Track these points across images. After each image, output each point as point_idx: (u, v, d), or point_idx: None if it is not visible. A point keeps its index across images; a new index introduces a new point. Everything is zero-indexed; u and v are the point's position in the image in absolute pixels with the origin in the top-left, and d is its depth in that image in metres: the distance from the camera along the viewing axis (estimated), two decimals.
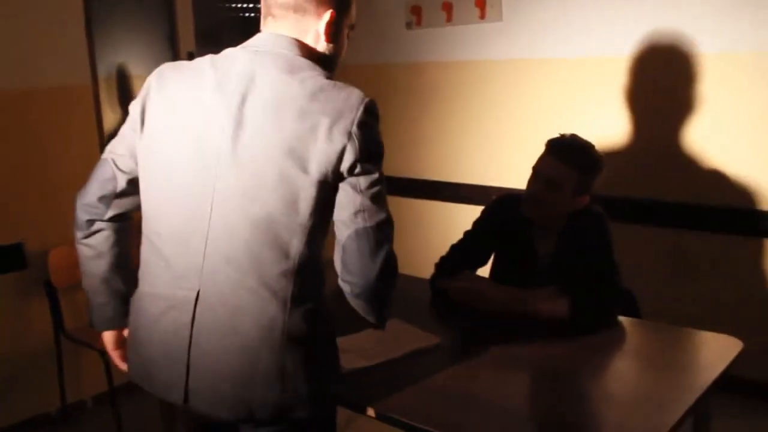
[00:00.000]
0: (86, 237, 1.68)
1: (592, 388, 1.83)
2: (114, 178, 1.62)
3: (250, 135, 1.41)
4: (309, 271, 1.46)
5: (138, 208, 1.62)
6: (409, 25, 4.01)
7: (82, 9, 3.29)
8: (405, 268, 3.96)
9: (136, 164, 1.57)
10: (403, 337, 2.06)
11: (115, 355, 1.79)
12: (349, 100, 1.42)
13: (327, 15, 1.51)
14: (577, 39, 3.46)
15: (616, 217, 3.34)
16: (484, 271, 2.46)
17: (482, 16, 3.73)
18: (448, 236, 2.60)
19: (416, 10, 3.94)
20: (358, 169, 1.42)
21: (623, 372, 1.94)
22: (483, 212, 2.48)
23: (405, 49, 4.07)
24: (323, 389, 1.53)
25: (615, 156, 3.42)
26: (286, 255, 1.42)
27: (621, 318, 2.16)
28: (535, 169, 2.28)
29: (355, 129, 1.40)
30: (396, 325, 2.13)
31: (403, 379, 1.84)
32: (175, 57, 3.96)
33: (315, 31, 1.52)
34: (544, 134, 2.32)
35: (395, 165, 4.26)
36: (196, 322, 1.46)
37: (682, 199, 3.29)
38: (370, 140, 1.43)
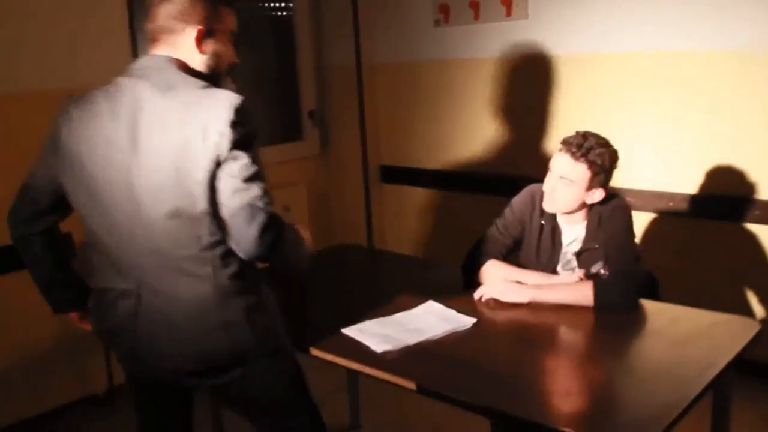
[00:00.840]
0: (24, 248, 2.00)
1: (615, 365, 1.95)
2: (37, 200, 1.93)
3: (145, 150, 1.70)
4: (225, 244, 1.75)
5: (58, 222, 1.99)
6: (437, 23, 4.12)
7: (126, 13, 3.45)
8: (438, 255, 4.14)
9: (55, 188, 1.88)
10: (442, 319, 2.21)
11: (80, 325, 2.17)
12: (220, 105, 1.69)
13: (194, 31, 1.77)
14: (601, 35, 3.55)
15: (643, 208, 3.52)
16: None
17: (508, 14, 3.83)
18: (477, 225, 2.73)
19: (444, 9, 4.06)
20: (230, 158, 1.67)
21: (645, 350, 2.07)
22: (512, 202, 2.60)
23: (434, 47, 4.18)
24: (267, 333, 1.87)
25: (641, 150, 3.53)
26: (198, 237, 1.73)
27: (642, 301, 2.28)
28: (550, 166, 2.41)
29: (225, 129, 1.66)
30: (435, 307, 2.29)
31: (442, 355, 1.99)
32: None
33: (189, 47, 1.79)
34: (569, 128, 2.44)
35: (425, 157, 4.39)
36: (143, 302, 1.81)
37: (702, 191, 3.41)
38: (241, 134, 1.69)
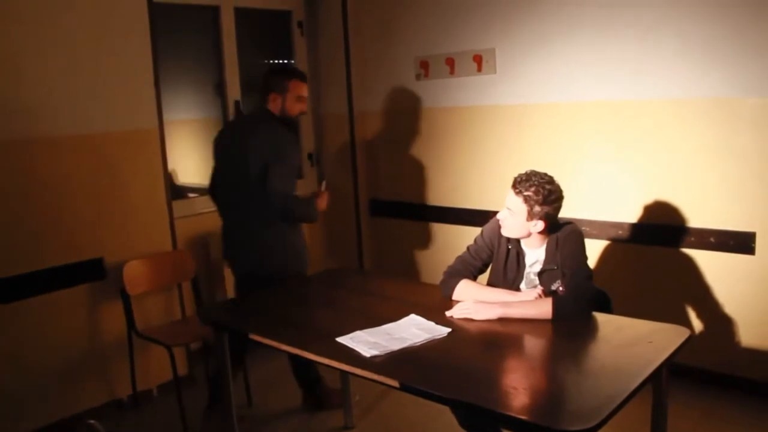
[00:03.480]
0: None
1: (567, 365, 2.06)
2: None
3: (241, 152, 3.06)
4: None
5: None
6: (418, 77, 4.25)
7: (151, 65, 3.55)
8: (420, 276, 4.21)
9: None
10: (422, 329, 2.31)
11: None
12: (275, 133, 3.04)
13: (270, 96, 3.13)
14: (559, 87, 3.69)
15: (597, 236, 3.62)
16: (482, 279, 2.70)
17: (479, 69, 3.97)
18: (453, 251, 2.84)
19: (424, 64, 4.19)
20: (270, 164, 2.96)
21: (593, 353, 2.17)
22: (482, 230, 2.71)
23: (415, 97, 4.30)
24: (271, 263, 3.10)
25: (595, 186, 3.64)
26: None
27: (595, 313, 2.39)
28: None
29: (271, 145, 3.00)
30: (416, 320, 2.39)
31: (421, 359, 2.09)
32: (224, 104, 4.24)
33: (272, 102, 3.15)
34: (531, 167, 2.56)
35: (409, 192, 4.48)
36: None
37: (645, 221, 3.52)
38: (279, 150, 3.00)
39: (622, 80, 3.48)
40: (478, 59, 3.98)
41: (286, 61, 4.68)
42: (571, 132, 3.70)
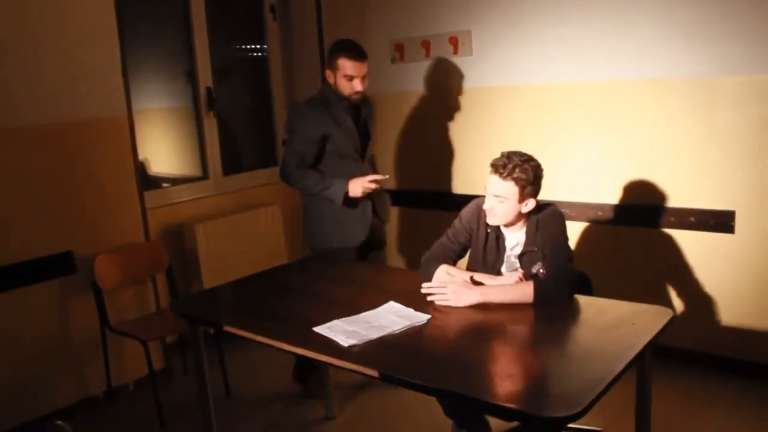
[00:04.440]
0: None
1: (551, 350, 2.01)
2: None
3: None
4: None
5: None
6: (393, 60, 4.17)
7: (119, 51, 3.43)
8: (397, 262, 4.17)
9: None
10: (401, 316, 2.25)
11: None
12: (295, 107, 3.28)
13: (327, 72, 3.09)
14: (535, 69, 3.65)
15: (577, 218, 3.59)
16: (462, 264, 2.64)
17: (456, 52, 3.92)
18: (430, 236, 2.78)
19: (399, 47, 4.12)
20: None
21: (576, 337, 2.13)
22: (460, 214, 2.64)
23: (391, 81, 4.24)
24: (314, 236, 3.24)
25: (574, 168, 3.61)
26: None
27: (576, 296, 2.35)
28: (486, 187, 2.47)
29: (288, 119, 3.23)
30: (394, 307, 2.33)
31: (401, 347, 2.03)
32: (195, 91, 4.14)
33: (328, 78, 3.11)
34: (511, 149, 2.50)
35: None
36: None
37: (625, 202, 3.49)
38: (290, 124, 3.18)
39: (600, 61, 3.44)
40: (453, 41, 3.91)
41: (257, 46, 4.57)
42: (550, 114, 3.65)
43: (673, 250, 3.39)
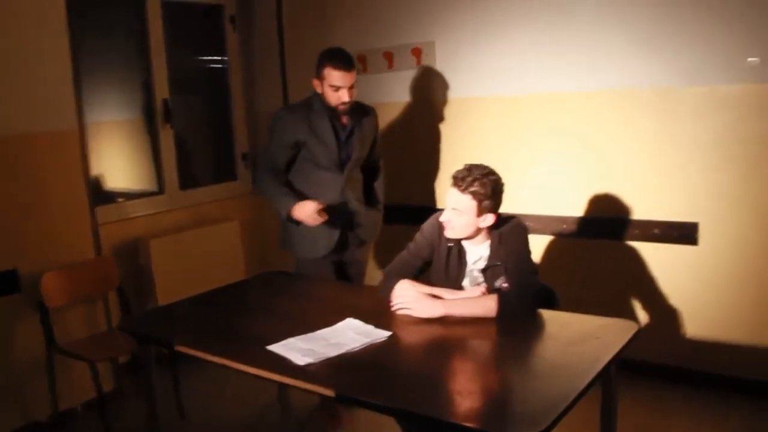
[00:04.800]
0: None
1: (513, 366, 1.94)
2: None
3: None
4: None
5: None
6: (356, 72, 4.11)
7: (69, 61, 3.30)
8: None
9: None
10: (360, 333, 2.17)
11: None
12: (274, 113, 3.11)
13: (314, 82, 2.96)
14: (498, 80, 3.62)
15: (541, 231, 3.55)
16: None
17: (419, 63, 3.88)
18: (391, 252, 2.72)
19: (362, 58, 4.07)
20: None
21: (540, 352, 2.07)
22: (422, 227, 2.58)
23: None
24: (286, 243, 3.18)
25: (537, 180, 3.57)
26: None
27: (540, 310, 2.29)
28: (446, 200, 2.42)
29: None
30: (353, 323, 2.25)
31: (360, 365, 1.95)
32: (151, 104, 4.03)
33: (317, 88, 3.00)
34: (474, 162, 2.43)
35: None
36: None
37: (589, 214, 3.47)
38: (269, 130, 3.10)
39: (561, 72, 3.43)
40: (416, 52, 3.86)
41: (216, 58, 4.48)
42: (514, 126, 3.62)
43: (637, 262, 3.36)
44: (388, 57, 3.98)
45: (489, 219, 2.38)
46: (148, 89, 4.02)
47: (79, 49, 3.39)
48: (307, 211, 2.92)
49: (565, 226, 3.54)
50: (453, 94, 3.80)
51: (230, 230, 4.19)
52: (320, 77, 2.96)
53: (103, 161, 3.89)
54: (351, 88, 2.95)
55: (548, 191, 3.58)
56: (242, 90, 4.54)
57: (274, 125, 3.07)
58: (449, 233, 2.43)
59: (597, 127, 3.38)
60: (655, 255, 3.32)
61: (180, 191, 4.19)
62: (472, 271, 2.49)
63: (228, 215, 4.30)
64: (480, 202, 2.34)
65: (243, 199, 4.49)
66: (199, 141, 4.56)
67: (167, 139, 4.09)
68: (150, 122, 4.06)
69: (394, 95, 4.02)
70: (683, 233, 3.20)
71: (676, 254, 3.25)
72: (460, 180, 2.37)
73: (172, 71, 4.07)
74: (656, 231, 3.27)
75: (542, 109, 3.52)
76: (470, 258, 2.48)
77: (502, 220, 2.45)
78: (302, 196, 3.00)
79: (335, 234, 3.10)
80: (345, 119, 3.05)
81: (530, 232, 2.48)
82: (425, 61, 3.85)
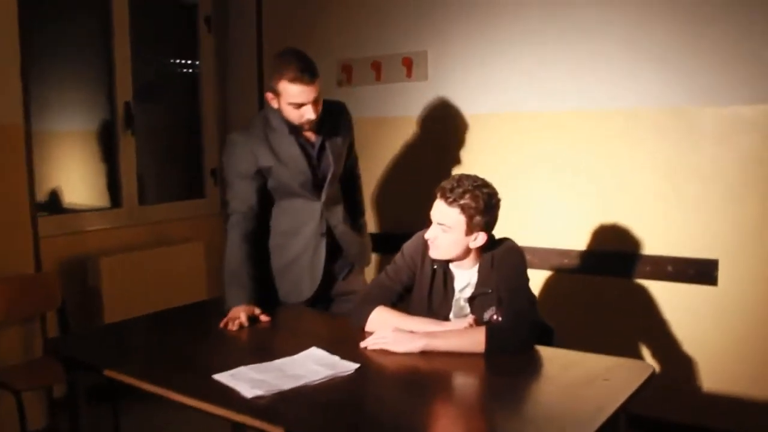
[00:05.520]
0: None
1: (504, 411, 1.72)
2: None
3: None
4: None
5: None
6: (340, 83, 3.96)
7: (18, 51, 3.15)
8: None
9: None
10: (323, 365, 1.96)
11: None
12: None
13: (268, 95, 2.57)
14: (496, 96, 3.48)
15: (539, 265, 3.37)
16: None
17: (409, 75, 3.73)
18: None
19: (347, 69, 3.92)
20: None
21: (536, 396, 1.84)
22: (402, 248, 2.39)
23: None
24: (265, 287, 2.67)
25: (535, 208, 3.42)
26: None
27: (537, 347, 2.07)
28: (430, 214, 2.23)
29: None
30: (316, 353, 2.04)
31: (318, 401, 1.74)
32: (112, 107, 3.85)
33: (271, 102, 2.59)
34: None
35: None
36: None
37: (594, 248, 3.30)
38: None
39: (565, 88, 3.30)
40: (407, 63, 3.71)
41: (187, 62, 4.32)
42: (509, 146, 3.47)
43: (648, 303, 3.18)
44: (376, 67, 3.82)
45: (480, 238, 2.18)
46: (109, 90, 3.84)
47: (31, 42, 3.24)
48: (236, 317, 2.43)
49: (566, 261, 3.36)
50: (445, 111, 3.65)
51: (193, 252, 3.98)
52: (275, 92, 2.53)
53: (52, 171, 3.71)
54: (316, 101, 2.53)
55: (548, 221, 3.41)
56: (215, 99, 4.38)
57: (227, 156, 2.65)
58: (434, 253, 2.23)
59: (604, 149, 3.23)
60: (668, 295, 3.14)
61: (139, 206, 4.00)
62: (458, 300, 2.28)
63: (191, 235, 4.10)
64: (470, 218, 2.14)
65: (210, 219, 4.27)
66: (164, 152, 4.37)
67: (128, 147, 3.91)
68: (109, 128, 3.88)
69: (381, 110, 3.86)
70: (701, 271, 3.03)
71: (693, 295, 3.07)
72: (448, 191, 2.17)
73: (137, 74, 3.91)
74: (670, 268, 3.10)
75: (543, 128, 3.38)
76: (457, 284, 2.28)
77: (494, 242, 2.26)
78: (257, 288, 2.56)
79: (319, 268, 2.76)
80: (312, 133, 2.71)
81: (527, 267, 2.27)
82: (416, 73, 3.71)
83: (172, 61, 4.34)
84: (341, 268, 2.86)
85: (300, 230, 2.72)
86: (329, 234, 2.76)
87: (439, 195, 2.20)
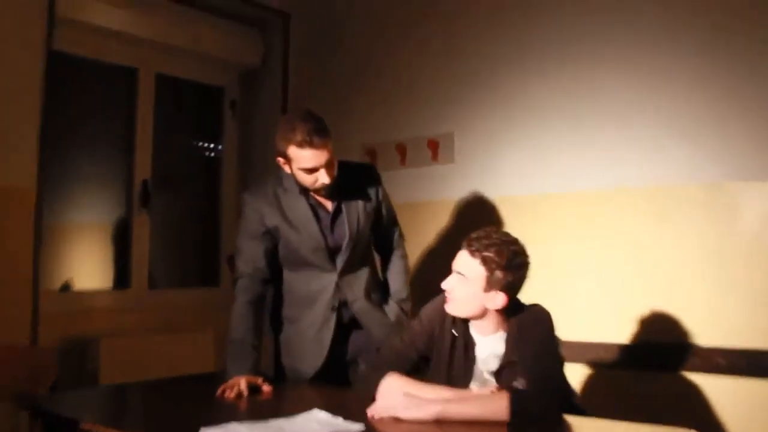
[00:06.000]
0: None
1: None
2: None
3: None
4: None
5: None
6: None
7: (38, 114, 3.28)
8: None
9: None
10: (324, 425, 1.84)
11: None
12: None
13: (279, 160, 2.52)
14: (525, 178, 3.47)
15: (571, 360, 3.20)
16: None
17: (435, 158, 3.74)
18: None
19: (371, 153, 3.94)
20: None
21: None
22: (420, 311, 2.30)
23: None
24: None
25: (565, 297, 3.28)
26: None
27: (568, 416, 1.93)
28: (454, 263, 2.15)
29: None
30: (318, 415, 1.92)
31: None
32: (130, 184, 3.91)
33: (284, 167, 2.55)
34: None
35: None
36: None
37: (634, 340, 3.15)
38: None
39: (600, 167, 3.25)
40: (433, 145, 3.74)
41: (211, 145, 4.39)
42: (540, 229, 3.37)
43: (698, 400, 2.98)
44: (401, 150, 3.85)
45: (498, 300, 2.07)
46: (128, 167, 3.93)
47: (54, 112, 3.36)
48: (237, 386, 2.34)
49: (603, 354, 3.19)
50: (473, 193, 3.62)
51: (202, 342, 3.88)
52: (285, 157, 2.47)
53: (63, 260, 3.76)
54: (329, 164, 2.46)
55: (581, 311, 3.27)
56: (235, 184, 4.43)
57: (242, 214, 2.66)
58: (449, 306, 2.14)
59: (642, 229, 3.13)
60: (719, 391, 2.94)
61: (148, 290, 3.97)
62: (481, 372, 2.15)
63: (202, 324, 4.00)
64: (491, 272, 2.05)
65: (223, 309, 4.17)
66: (180, 235, 4.39)
67: (142, 226, 3.92)
68: (125, 205, 3.93)
69: (407, 195, 3.83)
70: (755, 363, 2.85)
71: (748, 391, 2.87)
72: (474, 240, 2.10)
73: (158, 153, 4.00)
74: (721, 361, 2.93)
75: (576, 210, 3.31)
76: (479, 353, 2.15)
77: (520, 306, 2.15)
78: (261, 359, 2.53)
79: (323, 345, 2.62)
80: (327, 196, 2.63)
81: (555, 329, 2.16)
82: (443, 155, 3.72)
83: (194, 143, 4.44)
84: (357, 349, 2.70)
85: (312, 303, 2.63)
86: (345, 309, 2.64)
87: (464, 244, 2.13)
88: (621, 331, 3.17)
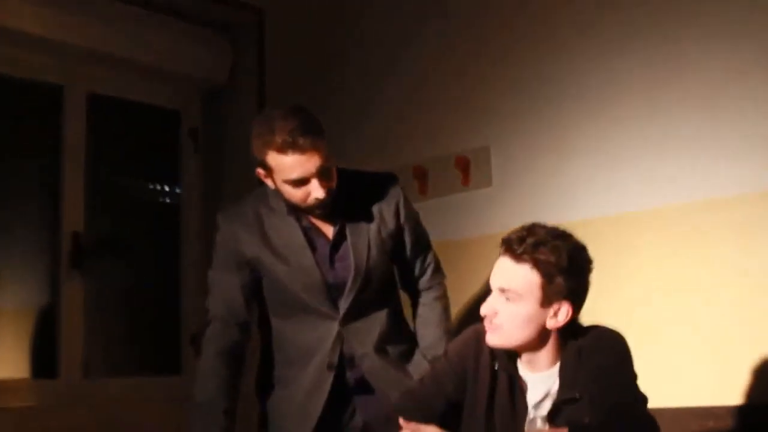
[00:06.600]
0: None
1: None
2: None
3: None
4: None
5: None
6: None
7: None
8: None
9: None
10: None
11: None
12: None
13: (260, 172, 2.54)
14: (575, 201, 3.59)
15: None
16: None
17: (466, 182, 3.83)
18: None
19: None
20: None
21: None
22: (448, 347, 2.37)
23: None
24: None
25: (656, 352, 3.29)
26: None
27: None
28: (490, 281, 2.18)
29: None
30: None
31: None
32: (57, 241, 4.00)
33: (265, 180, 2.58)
34: None
35: None
36: None
37: (754, 401, 3.15)
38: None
39: (664, 181, 3.38)
40: (463, 164, 3.87)
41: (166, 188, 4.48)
42: (606, 260, 3.38)
43: None
44: (420, 174, 3.95)
45: (563, 312, 2.11)
46: (53, 218, 4.03)
47: None
48: None
49: (713, 424, 3.19)
50: (515, 222, 3.67)
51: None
52: (265, 167, 2.49)
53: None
54: (324, 174, 2.46)
55: (676, 369, 3.30)
56: (199, 239, 4.51)
57: (214, 241, 2.75)
58: (494, 337, 2.15)
59: (733, 244, 3.19)
60: None
61: (84, 379, 4.02)
62: (534, 420, 2.16)
63: (158, 424, 4.03)
64: (549, 279, 2.07)
65: (187, 403, 4.21)
66: (127, 308, 4.47)
67: (74, 293, 3.99)
68: (51, 264, 4.01)
69: (430, 234, 3.85)
70: None
71: None
72: (515, 242, 2.12)
73: (93, 199, 4.11)
74: None
75: (654, 233, 3.40)
76: (531, 396, 2.16)
77: (581, 330, 2.19)
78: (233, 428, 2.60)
79: (314, 411, 2.63)
80: (325, 216, 2.65)
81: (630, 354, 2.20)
82: (476, 177, 3.82)
83: (143, 185, 4.56)
84: (369, 419, 2.69)
85: (308, 361, 2.64)
86: (351, 368, 2.66)
87: (503, 250, 2.15)
88: (733, 392, 3.20)
